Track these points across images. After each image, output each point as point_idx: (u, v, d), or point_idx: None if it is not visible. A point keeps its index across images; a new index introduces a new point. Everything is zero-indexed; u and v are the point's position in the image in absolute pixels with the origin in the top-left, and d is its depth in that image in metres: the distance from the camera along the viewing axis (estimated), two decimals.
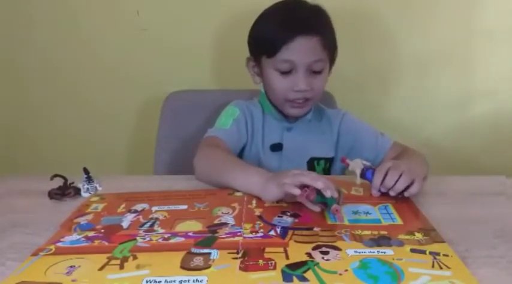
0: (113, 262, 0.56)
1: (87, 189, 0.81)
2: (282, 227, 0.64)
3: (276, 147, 0.99)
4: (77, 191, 0.80)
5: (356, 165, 0.79)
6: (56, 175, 0.80)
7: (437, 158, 1.41)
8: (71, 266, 0.55)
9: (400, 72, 1.31)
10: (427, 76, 1.30)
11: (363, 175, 0.78)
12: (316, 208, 0.69)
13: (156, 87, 1.30)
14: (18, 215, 0.73)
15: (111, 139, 1.40)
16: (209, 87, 1.29)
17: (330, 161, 1.02)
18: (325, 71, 0.95)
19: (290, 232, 0.63)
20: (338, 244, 0.59)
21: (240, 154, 1.00)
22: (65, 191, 0.79)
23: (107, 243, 0.61)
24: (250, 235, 0.62)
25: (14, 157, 1.44)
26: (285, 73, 0.92)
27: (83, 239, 0.63)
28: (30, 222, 0.70)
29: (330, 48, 0.94)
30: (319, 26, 0.92)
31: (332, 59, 0.97)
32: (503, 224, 0.66)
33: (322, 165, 1.01)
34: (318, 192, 0.67)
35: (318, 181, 0.66)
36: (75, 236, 0.64)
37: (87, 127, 1.40)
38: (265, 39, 0.93)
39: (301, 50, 0.89)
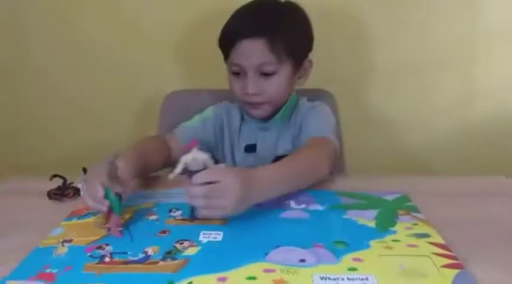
0: None
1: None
2: None
3: (250, 148, 0.99)
4: (76, 191, 0.80)
5: (188, 161, 0.63)
6: (55, 176, 0.80)
7: (437, 158, 1.41)
8: None
9: (399, 72, 1.31)
10: (427, 76, 1.30)
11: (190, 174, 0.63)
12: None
13: (156, 87, 1.30)
14: (18, 215, 0.73)
15: (110, 139, 1.39)
16: (209, 86, 1.29)
17: None
18: (280, 74, 0.90)
19: None
20: None
21: (219, 156, 1.01)
22: (64, 191, 0.79)
23: None
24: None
25: (13, 157, 1.44)
26: (238, 75, 0.91)
27: None
28: (29, 222, 0.70)
29: (285, 50, 0.88)
30: (268, 27, 0.87)
31: (295, 62, 0.92)
32: (503, 224, 0.66)
33: None
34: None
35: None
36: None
37: (86, 127, 1.40)
38: (220, 43, 0.93)
39: (245, 53, 0.88)
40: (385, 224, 0.64)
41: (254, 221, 0.66)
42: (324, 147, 0.84)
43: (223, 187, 0.60)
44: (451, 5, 1.23)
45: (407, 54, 1.28)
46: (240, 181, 0.61)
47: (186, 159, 0.62)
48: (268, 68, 0.88)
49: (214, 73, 1.34)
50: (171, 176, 0.64)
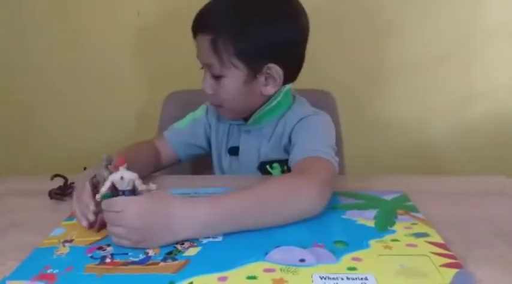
0: None
1: None
2: None
3: (234, 151, 0.92)
4: None
5: (115, 179, 0.60)
6: (56, 175, 0.80)
7: (437, 158, 1.41)
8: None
9: (399, 72, 1.31)
10: (426, 76, 1.30)
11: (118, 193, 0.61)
12: None
13: (156, 87, 1.30)
14: (18, 215, 0.73)
15: (111, 139, 1.40)
16: None
17: (286, 163, 0.85)
18: (228, 79, 0.78)
19: None
20: None
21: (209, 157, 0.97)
22: (65, 191, 0.79)
23: None
24: None
25: (14, 157, 1.44)
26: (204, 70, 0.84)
27: None
28: (30, 222, 0.70)
29: (230, 54, 0.76)
30: (214, 23, 0.77)
31: (250, 67, 0.78)
32: (503, 224, 0.66)
33: (279, 168, 0.88)
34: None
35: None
36: None
37: (87, 127, 1.41)
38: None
39: (198, 48, 0.81)
40: (384, 224, 0.64)
41: None
42: (317, 171, 0.69)
43: (119, 215, 0.58)
44: (451, 5, 1.24)
45: (407, 54, 1.29)
46: (140, 211, 0.58)
47: (113, 178, 0.60)
48: (214, 70, 0.79)
49: None
50: (98, 196, 0.61)
